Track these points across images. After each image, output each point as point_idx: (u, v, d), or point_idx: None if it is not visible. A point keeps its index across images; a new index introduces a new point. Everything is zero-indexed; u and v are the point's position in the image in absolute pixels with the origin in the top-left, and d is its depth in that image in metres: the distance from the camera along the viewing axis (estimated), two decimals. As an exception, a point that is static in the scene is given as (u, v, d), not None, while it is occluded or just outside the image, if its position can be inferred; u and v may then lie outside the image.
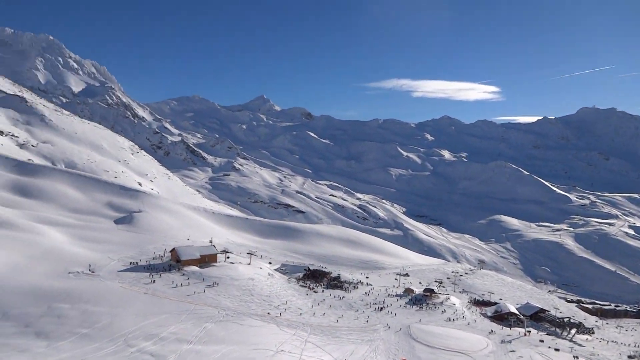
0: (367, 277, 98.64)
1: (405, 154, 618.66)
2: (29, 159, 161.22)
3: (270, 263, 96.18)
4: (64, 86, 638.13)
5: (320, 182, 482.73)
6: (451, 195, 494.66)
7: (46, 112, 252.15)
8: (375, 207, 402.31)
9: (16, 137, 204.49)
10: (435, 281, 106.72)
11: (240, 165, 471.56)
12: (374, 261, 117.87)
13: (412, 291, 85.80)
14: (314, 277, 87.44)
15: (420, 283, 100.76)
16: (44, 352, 38.31)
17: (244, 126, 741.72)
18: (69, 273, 62.18)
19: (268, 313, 59.70)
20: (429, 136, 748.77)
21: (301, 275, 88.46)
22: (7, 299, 50.12)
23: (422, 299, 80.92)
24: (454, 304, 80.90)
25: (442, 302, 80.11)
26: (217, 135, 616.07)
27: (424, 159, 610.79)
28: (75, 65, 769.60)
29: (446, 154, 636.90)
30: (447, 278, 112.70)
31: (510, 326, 73.97)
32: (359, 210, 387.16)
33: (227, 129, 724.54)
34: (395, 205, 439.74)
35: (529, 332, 70.12)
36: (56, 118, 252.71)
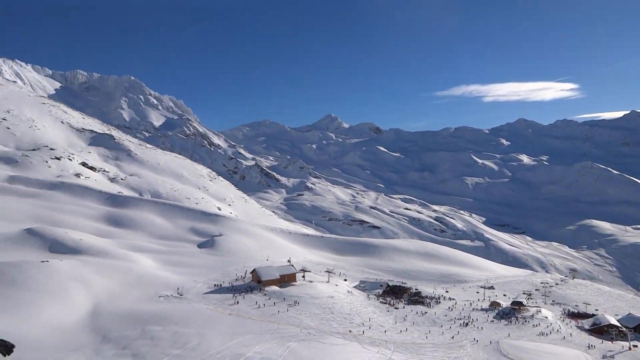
0: (448, 292, 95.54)
1: (480, 161, 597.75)
2: (119, 192, 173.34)
3: (345, 280, 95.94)
4: (146, 122, 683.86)
5: (393, 196, 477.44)
6: (534, 201, 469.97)
7: (132, 147, 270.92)
8: (452, 218, 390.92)
9: (107, 172, 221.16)
10: (524, 293, 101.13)
11: (312, 184, 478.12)
12: (456, 274, 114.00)
13: (499, 304, 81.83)
14: (394, 293, 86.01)
15: (506, 296, 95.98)
16: (141, 372, 40.39)
17: (314, 146, 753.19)
18: (160, 297, 65.63)
19: (350, 331, 59.35)
20: (504, 141, 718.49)
21: (381, 291, 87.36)
22: (106, 323, 53.76)
23: (511, 313, 76.90)
24: (546, 317, 76.09)
25: (532, 316, 75.64)
26: (289, 157, 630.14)
27: (501, 165, 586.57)
28: (155, 102, 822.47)
29: (525, 159, 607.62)
30: (536, 290, 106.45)
31: (611, 340, 68.20)
32: (436, 222, 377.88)
33: (298, 149, 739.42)
34: (473, 215, 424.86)
35: (635, 346, 64.20)
36: (141, 152, 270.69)
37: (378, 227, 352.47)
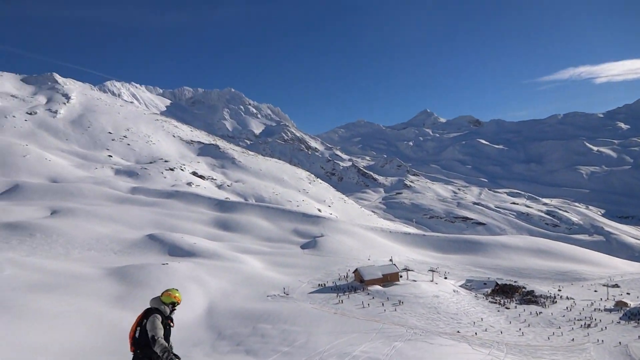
0: (561, 290, 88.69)
1: (595, 148, 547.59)
2: (226, 197, 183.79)
3: (445, 278, 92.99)
4: (247, 130, 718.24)
5: (498, 190, 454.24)
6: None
7: (236, 155, 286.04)
8: (566, 211, 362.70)
9: (215, 179, 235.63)
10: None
11: (411, 182, 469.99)
12: (573, 272, 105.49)
13: (626, 304, 74.26)
14: (503, 292, 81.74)
15: (634, 294, 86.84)
16: (254, 368, 42.49)
17: (411, 143, 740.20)
18: (268, 296, 68.53)
19: (458, 331, 57.48)
20: (622, 125, 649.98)
21: (489, 290, 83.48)
22: (221, 321, 57.28)
23: (640, 313, 69.52)
24: (685, 317, 67.76)
25: (667, 316, 67.73)
26: (385, 156, 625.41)
27: (619, 152, 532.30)
28: (254, 110, 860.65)
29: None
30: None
31: None
32: (547, 216, 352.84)
33: (394, 147, 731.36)
34: (590, 207, 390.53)
35: None
36: (244, 159, 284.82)
37: (483, 224, 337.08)
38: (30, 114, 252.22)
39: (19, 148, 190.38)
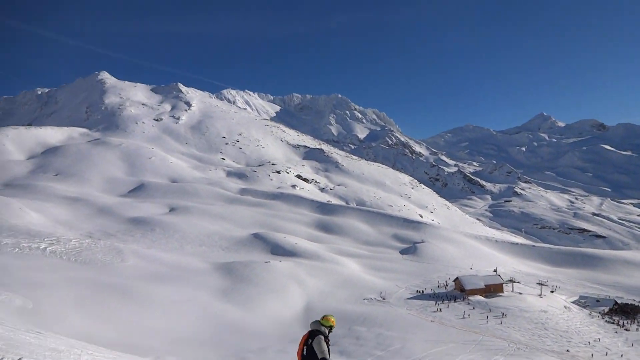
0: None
1: None
2: (328, 200, 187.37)
3: (552, 292, 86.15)
4: (352, 135, 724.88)
5: (623, 200, 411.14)
6: None
7: (339, 159, 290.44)
8: None
9: (318, 182, 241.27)
10: None
11: (522, 189, 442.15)
12: None
13: None
14: (624, 312, 73.99)
15: None
16: (346, 368, 43.10)
17: (524, 148, 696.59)
18: (364, 299, 68.93)
19: (567, 350, 53.32)
20: None
21: (606, 309, 76.09)
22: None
23: None
24: None
25: None
26: (495, 161, 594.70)
27: None
28: (360, 115, 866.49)
29: None
30: None
31: None
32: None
33: (504, 153, 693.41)
34: None
35: None
36: (347, 163, 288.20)
37: (603, 237, 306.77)
38: (157, 120, 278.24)
39: (146, 151, 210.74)
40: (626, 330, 64.58)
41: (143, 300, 52.01)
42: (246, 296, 62.57)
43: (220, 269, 72.96)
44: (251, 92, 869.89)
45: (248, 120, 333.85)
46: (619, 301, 79.66)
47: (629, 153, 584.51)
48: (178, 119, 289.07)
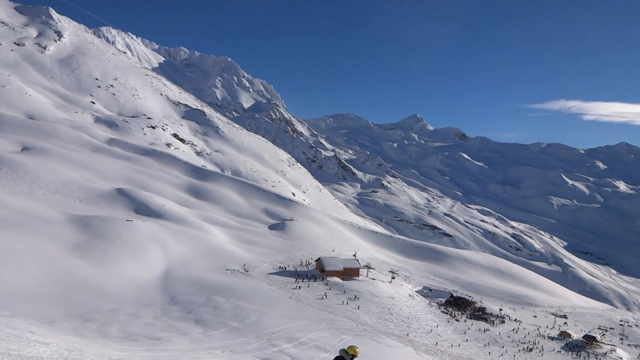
0: (515, 312, 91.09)
1: (570, 182, 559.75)
2: (203, 165, 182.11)
3: (409, 283, 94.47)
4: (237, 102, 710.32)
5: (470, 205, 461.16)
6: (626, 232, 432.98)
7: (220, 125, 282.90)
8: (531, 237, 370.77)
9: (195, 145, 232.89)
10: (599, 328, 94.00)
11: (388, 183, 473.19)
12: (526, 296, 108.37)
13: (569, 335, 76.75)
14: (457, 304, 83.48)
15: (578, 327, 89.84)
16: (200, 337, 42.65)
17: (395, 144, 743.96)
18: (227, 270, 68.56)
19: (407, 334, 58.60)
20: (600, 164, 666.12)
21: (443, 300, 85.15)
22: (176, 286, 57.16)
23: (581, 346, 71.96)
24: (621, 358, 70.44)
25: (605, 354, 70.28)
26: (368, 152, 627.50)
27: (593, 190, 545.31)
28: (247, 84, 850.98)
29: (622, 186, 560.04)
30: (611, 328, 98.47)
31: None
32: (512, 239, 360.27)
33: (378, 146, 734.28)
34: (554, 237, 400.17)
35: None
36: (228, 130, 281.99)
37: (450, 235, 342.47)
38: (18, 44, 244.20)
39: (0, 77, 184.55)
40: (457, 320, 72.93)
41: (-23, 246, 45.93)
42: (101, 254, 58.49)
43: (75, 222, 67.14)
44: (134, 36, 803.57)
45: (127, 65, 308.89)
46: (454, 294, 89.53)
47: (481, 164, 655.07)
48: (44, 48, 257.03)
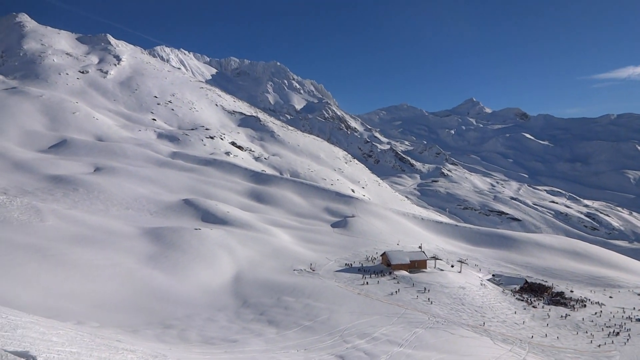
0: (597, 295, 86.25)
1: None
2: (263, 170, 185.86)
3: (480, 270, 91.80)
4: (289, 105, 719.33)
5: (538, 187, 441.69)
6: None
7: (275, 129, 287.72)
8: (607, 215, 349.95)
9: (253, 151, 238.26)
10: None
11: (449, 171, 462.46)
12: (607, 277, 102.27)
13: (660, 316, 71.69)
14: (532, 290, 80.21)
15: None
16: (274, 338, 43.53)
17: (453, 131, 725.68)
18: (294, 270, 69.58)
19: (482, 324, 57.00)
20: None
21: (517, 287, 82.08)
22: (247, 289, 58.70)
23: (675, 327, 66.96)
24: None
25: None
26: (425, 142, 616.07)
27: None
28: (298, 86, 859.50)
29: None
30: None
31: None
32: (587, 219, 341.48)
33: (435, 135, 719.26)
34: (634, 213, 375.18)
35: None
36: (283, 133, 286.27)
37: (518, 220, 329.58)
38: (83, 72, 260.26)
39: (70, 105, 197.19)
40: (533, 307, 70.04)
41: (64, 263, 49.28)
42: (174, 263, 61.12)
43: (148, 234, 70.60)
44: (186, 52, 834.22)
45: (182, 80, 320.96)
46: (528, 280, 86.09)
47: (546, 143, 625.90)
48: (106, 73, 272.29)
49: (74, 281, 46.25)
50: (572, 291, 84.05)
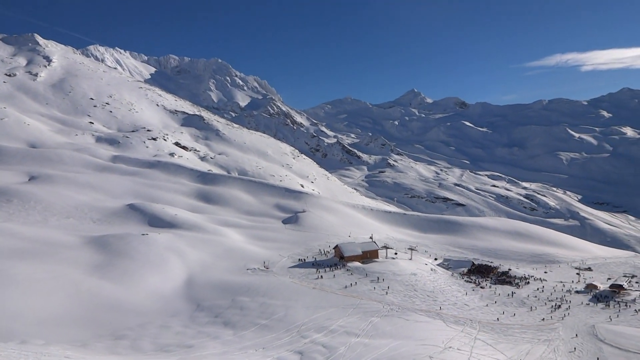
0: (539, 272, 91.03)
1: (577, 135, 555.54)
2: (209, 170, 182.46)
3: (433, 258, 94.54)
4: (233, 102, 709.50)
5: (479, 172, 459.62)
6: (638, 177, 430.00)
7: (220, 127, 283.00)
8: (544, 195, 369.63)
9: (198, 151, 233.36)
10: (624, 276, 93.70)
11: (394, 161, 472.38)
12: (547, 254, 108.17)
13: (596, 287, 76.62)
14: (479, 272, 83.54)
15: (607, 279, 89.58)
16: (231, 339, 43.01)
17: (396, 122, 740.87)
18: (247, 269, 68.87)
19: (440, 308, 58.68)
20: (605, 113, 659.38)
21: (465, 270, 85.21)
22: (200, 292, 57.56)
23: (609, 296, 71.79)
24: (651, 302, 70.14)
25: (634, 300, 70.07)
26: (371, 134, 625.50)
27: (600, 140, 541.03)
28: (241, 82, 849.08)
29: (629, 131, 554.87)
30: (636, 275, 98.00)
31: None
32: (526, 200, 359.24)
33: (379, 126, 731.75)
34: (568, 192, 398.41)
35: None
36: (228, 131, 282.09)
37: (463, 205, 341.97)
38: (9, 75, 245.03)
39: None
40: (481, 288, 72.98)
41: (1, 279, 46.38)
42: (122, 271, 58.93)
43: (92, 243, 67.65)
44: (122, 51, 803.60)
45: (119, 81, 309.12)
46: (475, 262, 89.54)
47: (485, 129, 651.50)
48: (36, 75, 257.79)
49: (14, 298, 43.64)
50: (517, 269, 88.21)
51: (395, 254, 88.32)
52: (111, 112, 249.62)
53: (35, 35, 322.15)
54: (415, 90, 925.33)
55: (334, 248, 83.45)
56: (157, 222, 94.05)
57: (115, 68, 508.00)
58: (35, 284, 48.11)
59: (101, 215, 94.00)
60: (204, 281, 61.48)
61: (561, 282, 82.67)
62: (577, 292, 75.15)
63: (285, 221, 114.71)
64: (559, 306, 65.67)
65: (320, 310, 52.83)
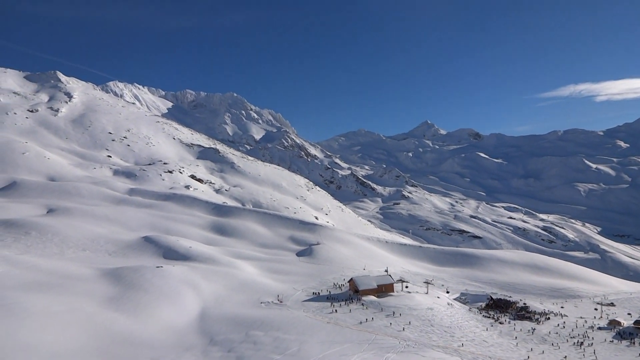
0: (561, 307, 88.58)
1: (594, 166, 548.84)
2: (224, 202, 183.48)
3: (448, 292, 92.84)
4: (248, 135, 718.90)
5: (495, 204, 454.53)
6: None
7: (235, 160, 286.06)
8: (562, 227, 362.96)
9: (213, 183, 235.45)
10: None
11: (409, 193, 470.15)
12: (567, 289, 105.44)
13: (619, 323, 74.11)
14: (497, 306, 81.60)
15: (629, 314, 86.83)
16: (245, 375, 42.20)
17: (410, 154, 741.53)
18: (261, 303, 68.28)
19: (462, 345, 57.24)
20: (622, 143, 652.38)
21: (483, 304, 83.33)
22: (213, 326, 57.04)
23: (634, 333, 69.35)
24: (678, 339, 67.50)
25: (660, 337, 67.52)
26: (385, 166, 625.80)
27: (618, 170, 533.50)
28: (256, 116, 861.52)
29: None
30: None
31: None
32: (544, 232, 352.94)
33: (393, 158, 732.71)
34: (587, 224, 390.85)
35: None
36: (243, 164, 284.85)
37: (479, 237, 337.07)
38: (32, 111, 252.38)
39: (19, 145, 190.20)
40: (500, 323, 71.11)
41: (17, 312, 46.53)
42: (136, 304, 58.81)
43: (107, 276, 67.87)
44: (140, 86, 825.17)
45: (137, 115, 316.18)
46: (493, 297, 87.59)
47: (500, 160, 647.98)
48: (57, 111, 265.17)
49: (29, 331, 43.71)
50: (541, 303, 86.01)
51: (407, 287, 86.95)
52: (129, 145, 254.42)
53: (58, 72, 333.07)
54: (429, 122, 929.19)
55: (348, 281, 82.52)
56: (172, 254, 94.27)
57: (133, 103, 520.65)
58: (51, 317, 48.18)
59: (117, 248, 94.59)
60: (218, 314, 61.01)
61: (582, 317, 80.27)
62: (600, 328, 72.76)
63: (299, 254, 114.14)
64: (581, 343, 63.54)
65: (335, 346, 51.88)
